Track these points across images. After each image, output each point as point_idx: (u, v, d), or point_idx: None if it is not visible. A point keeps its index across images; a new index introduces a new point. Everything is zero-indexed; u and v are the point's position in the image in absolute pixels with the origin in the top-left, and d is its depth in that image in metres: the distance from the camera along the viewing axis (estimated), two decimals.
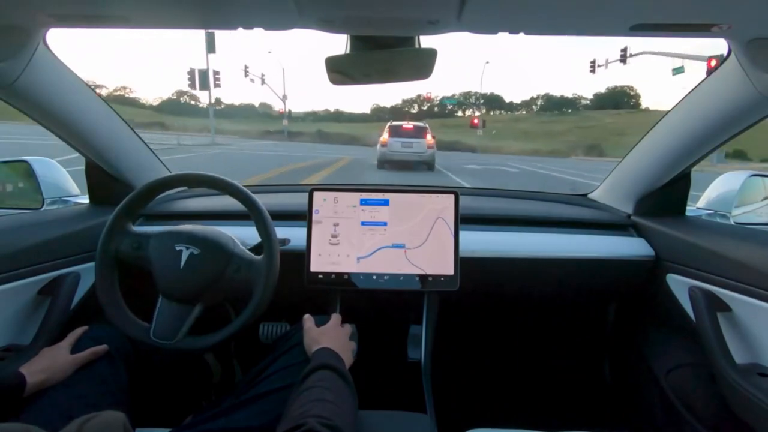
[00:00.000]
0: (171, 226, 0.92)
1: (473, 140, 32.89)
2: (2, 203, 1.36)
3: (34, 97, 0.88)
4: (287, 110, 34.94)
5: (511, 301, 1.34)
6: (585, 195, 1.42)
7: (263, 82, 29.51)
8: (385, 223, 1.04)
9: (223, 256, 0.87)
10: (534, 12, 0.62)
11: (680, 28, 0.65)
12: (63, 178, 1.36)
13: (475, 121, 31.76)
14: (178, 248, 0.86)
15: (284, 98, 34.04)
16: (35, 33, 0.77)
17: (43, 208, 1.27)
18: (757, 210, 1.39)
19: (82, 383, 0.75)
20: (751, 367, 0.85)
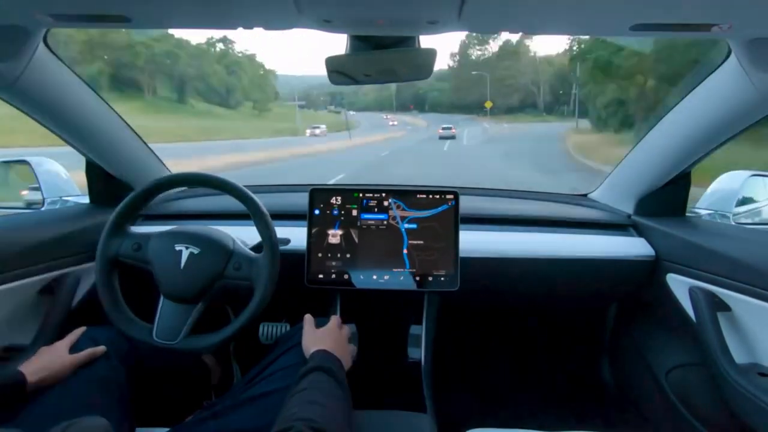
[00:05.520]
0: (170, 227, 0.92)
1: None
2: (2, 203, 1.37)
3: (35, 97, 0.88)
4: None
5: (511, 300, 1.33)
6: (585, 195, 1.42)
7: None
8: (385, 223, 1.04)
9: (223, 255, 0.87)
10: (534, 11, 0.62)
11: (681, 27, 0.65)
12: (63, 177, 1.37)
13: None
14: (178, 248, 0.86)
15: None
16: (35, 33, 0.76)
17: (43, 208, 1.27)
18: (758, 210, 1.39)
19: (81, 384, 0.75)
20: (751, 367, 0.85)
